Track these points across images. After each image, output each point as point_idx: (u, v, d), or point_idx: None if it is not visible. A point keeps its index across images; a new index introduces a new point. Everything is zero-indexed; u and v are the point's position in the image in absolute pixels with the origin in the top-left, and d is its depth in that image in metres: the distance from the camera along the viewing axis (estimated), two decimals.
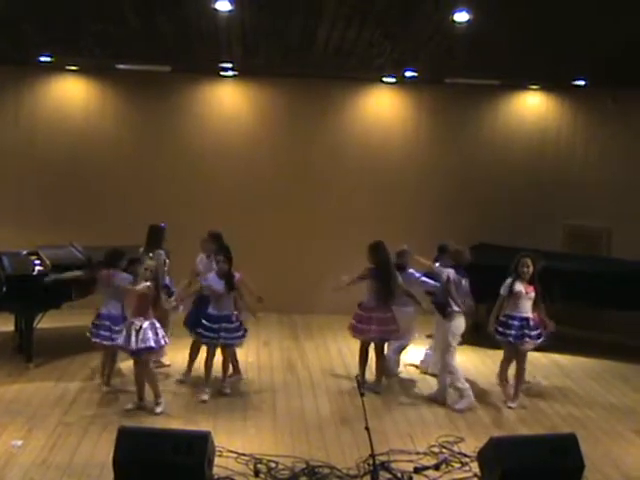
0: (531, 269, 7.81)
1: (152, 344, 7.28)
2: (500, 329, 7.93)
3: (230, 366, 8.18)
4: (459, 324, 7.96)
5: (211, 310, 7.82)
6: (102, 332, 7.79)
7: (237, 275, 7.87)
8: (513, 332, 7.82)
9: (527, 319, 7.83)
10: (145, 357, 7.39)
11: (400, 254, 8.51)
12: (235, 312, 7.88)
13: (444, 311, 7.95)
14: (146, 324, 7.29)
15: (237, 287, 7.85)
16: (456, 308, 7.91)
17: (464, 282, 8.05)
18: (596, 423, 7.60)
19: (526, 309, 7.86)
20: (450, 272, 8.02)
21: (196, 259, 8.64)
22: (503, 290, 7.91)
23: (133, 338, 7.25)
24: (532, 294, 7.84)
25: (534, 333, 7.83)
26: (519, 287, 7.83)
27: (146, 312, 7.35)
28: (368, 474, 6.03)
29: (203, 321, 7.82)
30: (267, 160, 11.66)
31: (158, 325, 7.42)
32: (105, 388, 7.95)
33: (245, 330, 7.96)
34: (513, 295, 7.86)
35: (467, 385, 7.93)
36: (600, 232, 11.82)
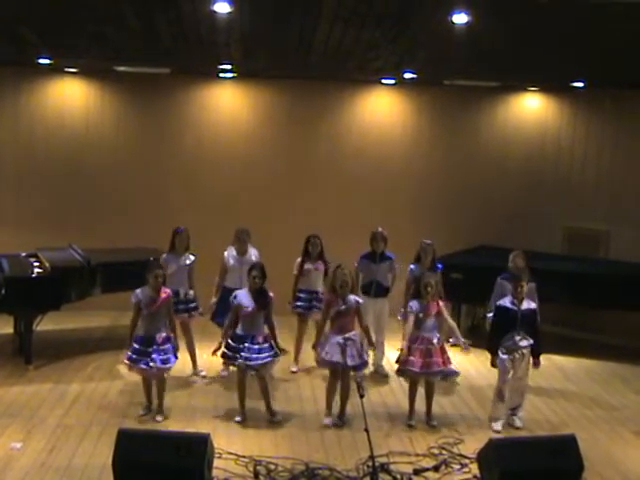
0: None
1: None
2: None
3: None
4: None
5: (238, 330, 7.35)
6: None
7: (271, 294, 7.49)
8: None
9: None
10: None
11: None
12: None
13: None
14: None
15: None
16: None
17: None
18: (596, 424, 7.60)
19: None
20: None
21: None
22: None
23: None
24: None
25: None
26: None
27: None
28: (368, 476, 6.04)
29: (228, 340, 7.37)
30: (266, 162, 11.66)
31: None
32: None
33: (275, 354, 7.37)
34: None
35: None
36: (599, 234, 11.82)
